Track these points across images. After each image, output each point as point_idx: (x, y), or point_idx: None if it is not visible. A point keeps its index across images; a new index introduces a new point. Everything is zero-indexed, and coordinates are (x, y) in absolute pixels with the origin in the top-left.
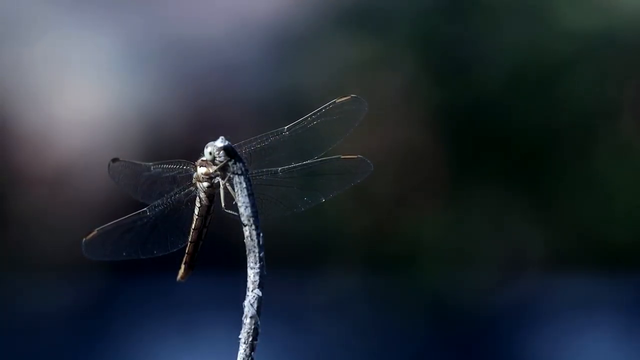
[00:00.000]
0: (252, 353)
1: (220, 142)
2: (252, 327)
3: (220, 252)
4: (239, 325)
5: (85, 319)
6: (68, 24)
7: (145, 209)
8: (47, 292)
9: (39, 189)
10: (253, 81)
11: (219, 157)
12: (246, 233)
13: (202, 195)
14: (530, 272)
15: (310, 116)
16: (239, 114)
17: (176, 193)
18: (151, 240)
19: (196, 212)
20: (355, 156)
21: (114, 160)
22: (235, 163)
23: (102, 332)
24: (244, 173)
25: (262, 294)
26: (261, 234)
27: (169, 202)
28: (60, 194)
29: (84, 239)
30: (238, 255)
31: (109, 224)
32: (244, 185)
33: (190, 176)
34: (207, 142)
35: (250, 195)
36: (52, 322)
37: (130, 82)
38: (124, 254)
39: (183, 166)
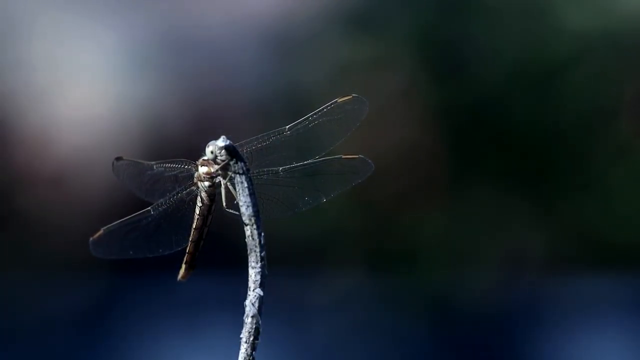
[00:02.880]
0: (253, 352)
1: (221, 142)
2: (254, 326)
3: (221, 251)
4: (240, 324)
5: (88, 318)
6: (69, 23)
7: (149, 208)
8: (49, 291)
9: (40, 188)
10: (254, 81)
11: (221, 156)
12: (247, 232)
13: (203, 194)
14: (530, 273)
15: (312, 116)
16: (240, 114)
17: (178, 192)
18: (156, 239)
19: (197, 211)
20: (356, 156)
21: (118, 159)
22: (236, 162)
23: (103, 331)
24: (245, 172)
25: (264, 293)
26: (262, 234)
27: (171, 201)
28: (62, 193)
29: (91, 238)
30: (239, 255)
31: (115, 223)
32: (245, 184)
33: (192, 175)
34: (208, 142)
35: (252, 194)
36: (55, 321)
37: (131, 82)
38: (131, 252)
39: (184, 165)
